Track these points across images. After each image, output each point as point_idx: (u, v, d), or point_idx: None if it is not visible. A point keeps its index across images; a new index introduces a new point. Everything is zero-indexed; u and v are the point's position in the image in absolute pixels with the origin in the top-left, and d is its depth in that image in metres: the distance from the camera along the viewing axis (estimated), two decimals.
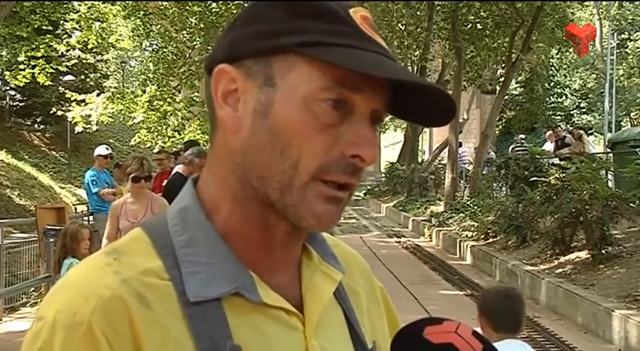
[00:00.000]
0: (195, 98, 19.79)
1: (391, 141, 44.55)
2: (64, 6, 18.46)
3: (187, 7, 18.03)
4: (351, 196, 0.72)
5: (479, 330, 0.80)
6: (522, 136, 18.14)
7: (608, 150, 14.64)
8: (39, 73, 17.17)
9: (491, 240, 11.64)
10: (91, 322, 0.64)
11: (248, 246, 0.73)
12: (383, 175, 28.72)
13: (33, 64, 17.16)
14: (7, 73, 18.84)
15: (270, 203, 0.70)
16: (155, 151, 21.56)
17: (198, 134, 20.80)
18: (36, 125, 30.34)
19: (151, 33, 20.27)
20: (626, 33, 33.62)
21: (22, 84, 18.22)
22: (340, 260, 0.83)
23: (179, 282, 0.69)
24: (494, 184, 14.75)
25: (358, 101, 0.69)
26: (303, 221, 0.70)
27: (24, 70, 17.37)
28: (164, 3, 18.21)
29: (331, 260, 0.80)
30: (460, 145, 18.36)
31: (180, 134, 21.05)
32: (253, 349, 0.69)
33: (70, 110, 20.52)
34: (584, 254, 8.51)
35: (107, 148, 8.95)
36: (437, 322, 0.78)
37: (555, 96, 31.67)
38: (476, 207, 13.91)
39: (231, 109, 0.72)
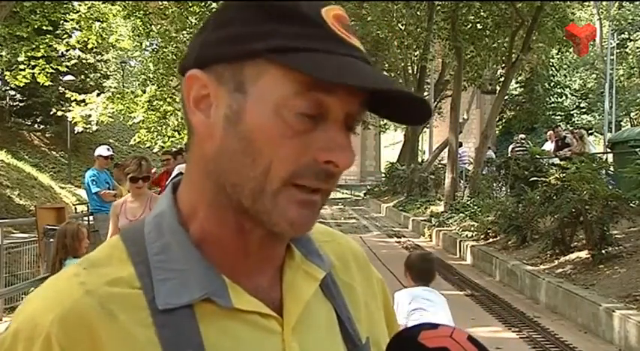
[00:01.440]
0: None
1: (391, 141, 44.56)
2: (64, 6, 18.45)
3: (187, 7, 18.04)
4: (325, 199, 0.71)
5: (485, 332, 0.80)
6: (522, 136, 18.13)
7: (608, 150, 14.64)
8: (39, 73, 17.17)
9: (491, 240, 11.64)
10: (49, 333, 0.65)
11: (224, 251, 0.72)
12: (383, 175, 28.74)
13: (33, 64, 17.16)
14: (7, 73, 18.82)
15: (244, 209, 0.70)
16: (155, 150, 21.57)
17: None
18: (36, 125, 30.34)
19: (151, 33, 20.28)
20: (626, 33, 33.63)
21: (22, 84, 18.22)
22: (335, 255, 0.82)
23: (150, 290, 0.68)
24: (494, 184, 14.75)
25: (332, 104, 0.68)
26: (276, 227, 0.69)
27: (24, 70, 17.36)
28: (164, 3, 18.22)
29: (315, 258, 0.79)
30: (460, 145, 18.36)
31: (180, 134, 21.06)
32: None
33: (70, 110, 20.54)
34: (584, 254, 8.51)
35: (108, 149, 8.95)
36: (432, 327, 0.78)
37: (555, 96, 31.69)
38: (476, 207, 13.91)
39: (204, 115, 0.71)
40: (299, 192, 0.68)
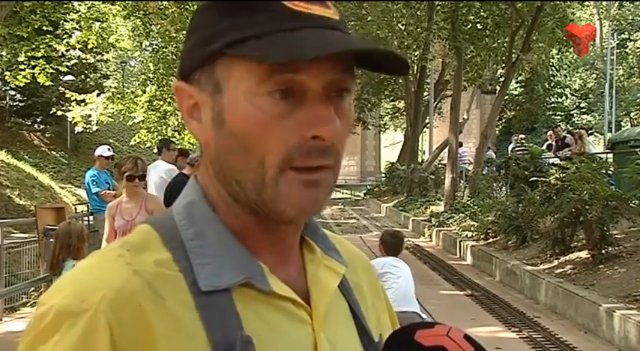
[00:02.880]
0: None
1: (391, 141, 44.59)
2: (64, 6, 18.45)
3: (187, 7, 18.02)
4: (334, 177, 0.72)
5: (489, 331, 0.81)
6: (522, 136, 18.14)
7: (608, 150, 14.64)
8: (39, 74, 17.17)
9: (491, 240, 11.64)
10: (97, 310, 0.64)
11: (253, 243, 0.74)
12: (383, 175, 28.73)
13: (33, 64, 17.15)
14: (8, 73, 18.81)
15: (255, 205, 0.71)
16: (155, 150, 21.55)
17: None
18: (36, 125, 30.34)
19: (151, 33, 20.28)
20: (626, 33, 33.64)
21: (22, 84, 18.22)
22: (343, 255, 0.83)
23: (189, 273, 0.69)
24: (495, 184, 14.75)
25: (306, 80, 0.68)
26: (285, 213, 0.70)
27: (24, 70, 17.35)
28: (164, 3, 18.21)
29: (334, 254, 0.81)
30: (460, 145, 18.36)
31: (180, 134, 21.06)
32: (263, 340, 0.69)
33: (70, 110, 20.54)
34: (584, 254, 8.51)
35: (109, 150, 8.96)
36: (429, 326, 0.79)
37: (555, 96, 31.69)
38: (476, 207, 13.91)
39: (197, 122, 0.73)
40: (298, 174, 0.69)
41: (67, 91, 20.80)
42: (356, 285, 0.85)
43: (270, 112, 0.68)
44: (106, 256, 0.71)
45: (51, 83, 19.60)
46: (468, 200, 15.39)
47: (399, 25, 19.75)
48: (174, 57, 19.40)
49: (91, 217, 9.60)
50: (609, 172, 9.91)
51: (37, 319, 0.66)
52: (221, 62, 0.70)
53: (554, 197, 9.01)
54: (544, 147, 15.78)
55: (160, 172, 7.28)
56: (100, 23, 19.48)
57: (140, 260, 0.69)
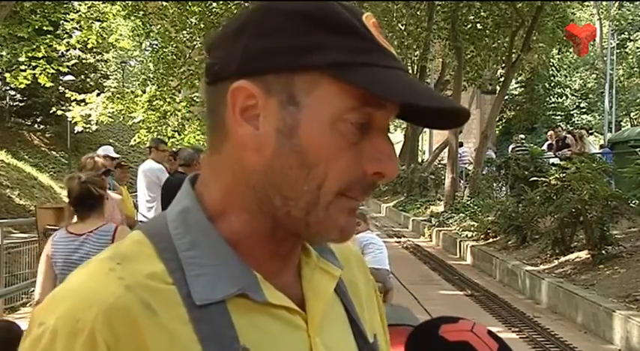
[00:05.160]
0: (195, 98, 19.79)
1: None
2: (64, 6, 18.44)
3: (187, 7, 18.02)
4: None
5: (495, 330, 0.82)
6: (522, 136, 18.14)
7: (609, 150, 14.63)
8: (40, 74, 17.16)
9: (491, 240, 11.64)
10: (93, 329, 0.63)
11: (252, 252, 0.73)
12: None
13: (34, 65, 17.14)
14: (8, 75, 18.79)
15: (292, 223, 0.70)
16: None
17: (198, 134, 20.80)
18: (36, 125, 30.33)
19: (151, 33, 20.26)
20: (626, 33, 33.60)
21: (23, 86, 18.20)
22: (338, 254, 0.83)
23: (183, 285, 0.68)
24: (495, 184, 14.75)
25: (379, 116, 0.70)
26: (326, 236, 0.71)
27: (25, 70, 17.34)
28: (164, 3, 18.20)
29: (329, 257, 0.80)
30: (460, 145, 18.37)
31: (180, 134, 21.05)
32: (259, 350, 0.69)
33: (70, 110, 20.51)
34: (584, 254, 8.51)
35: (114, 152, 9.02)
36: (452, 321, 0.79)
37: (555, 96, 31.68)
38: (476, 207, 13.91)
39: (251, 126, 0.69)
40: (348, 202, 0.70)
41: (67, 91, 20.77)
42: (351, 283, 0.84)
43: (349, 139, 0.68)
44: (97, 269, 0.69)
45: (51, 83, 19.59)
46: (468, 200, 15.39)
47: (399, 25, 19.75)
48: (174, 57, 19.38)
49: None
50: (611, 172, 9.91)
51: (33, 341, 0.65)
52: (305, 75, 0.68)
53: (554, 197, 9.01)
54: (544, 147, 15.77)
55: (145, 171, 7.32)
56: (100, 23, 19.48)
57: (132, 274, 0.68)
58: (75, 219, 3.47)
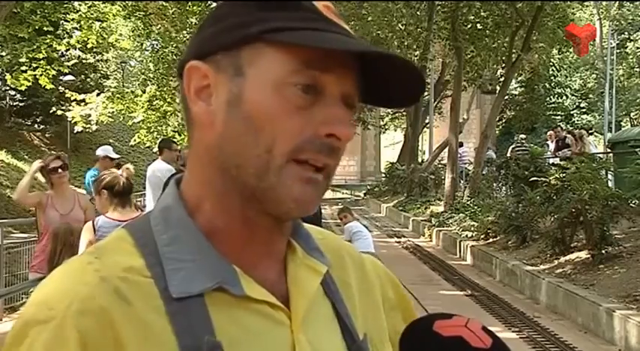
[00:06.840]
0: None
1: (391, 141, 44.53)
2: (64, 6, 18.44)
3: (187, 7, 18.03)
4: (329, 179, 0.73)
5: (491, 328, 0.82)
6: (522, 136, 18.14)
7: (608, 150, 14.65)
8: (40, 75, 17.15)
9: (491, 240, 11.64)
10: (65, 316, 0.64)
11: (231, 242, 0.73)
12: (383, 175, 28.73)
13: (35, 66, 17.14)
14: (9, 76, 18.78)
15: (250, 193, 0.71)
16: (155, 150, 21.55)
17: None
18: (36, 125, 30.32)
19: (151, 33, 20.27)
20: (626, 33, 33.62)
21: (24, 88, 18.19)
22: (329, 252, 0.83)
23: (161, 279, 0.69)
24: (495, 184, 14.76)
25: (328, 82, 0.70)
26: (282, 205, 0.70)
27: (25, 71, 17.33)
28: (164, 3, 18.21)
29: (315, 254, 0.80)
30: (460, 145, 18.37)
31: (180, 135, 21.05)
32: (237, 344, 0.69)
33: (70, 110, 20.52)
34: (584, 254, 8.51)
35: (114, 153, 9.06)
36: (446, 317, 0.79)
37: (555, 96, 31.70)
38: (476, 207, 13.92)
39: (205, 103, 0.73)
40: (303, 170, 0.70)
41: (67, 91, 20.77)
42: (343, 282, 0.84)
43: (294, 102, 0.69)
44: (75, 264, 0.71)
45: (51, 85, 19.60)
46: (468, 200, 15.40)
47: (399, 25, 19.75)
48: (175, 57, 19.39)
49: None
50: (609, 172, 9.91)
51: (11, 331, 0.67)
52: (250, 47, 0.70)
53: (554, 197, 9.01)
54: (550, 147, 15.77)
55: (155, 171, 7.32)
56: (100, 23, 19.48)
57: (109, 266, 0.69)
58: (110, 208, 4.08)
